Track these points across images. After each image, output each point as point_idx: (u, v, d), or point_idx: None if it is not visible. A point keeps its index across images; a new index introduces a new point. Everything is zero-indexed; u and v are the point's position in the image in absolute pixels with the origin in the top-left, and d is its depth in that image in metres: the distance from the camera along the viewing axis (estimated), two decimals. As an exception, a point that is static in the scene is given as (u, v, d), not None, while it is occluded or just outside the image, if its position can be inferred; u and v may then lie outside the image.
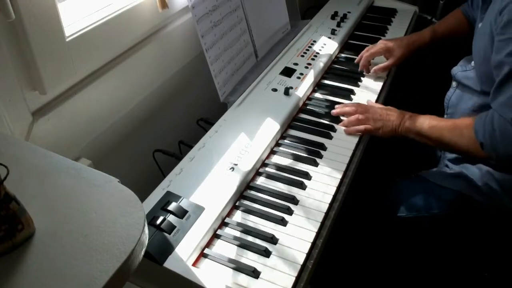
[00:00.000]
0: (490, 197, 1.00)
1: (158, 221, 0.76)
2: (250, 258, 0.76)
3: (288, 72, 1.20)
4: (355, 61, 1.30)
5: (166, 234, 0.75)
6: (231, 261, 0.74)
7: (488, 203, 1.01)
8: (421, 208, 1.07)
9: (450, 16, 1.35)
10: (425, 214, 1.06)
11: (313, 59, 1.27)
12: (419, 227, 1.07)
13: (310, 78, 1.19)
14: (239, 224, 0.81)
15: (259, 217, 0.83)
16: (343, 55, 1.38)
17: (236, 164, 0.90)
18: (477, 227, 1.05)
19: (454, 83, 1.13)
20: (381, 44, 1.29)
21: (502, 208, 1.00)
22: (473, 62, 1.05)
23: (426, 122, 1.00)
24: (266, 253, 0.76)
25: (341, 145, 1.01)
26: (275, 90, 1.13)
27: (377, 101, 1.19)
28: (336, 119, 1.09)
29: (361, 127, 1.04)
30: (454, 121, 0.99)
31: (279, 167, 0.94)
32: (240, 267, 0.73)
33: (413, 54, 1.29)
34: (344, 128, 1.06)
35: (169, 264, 0.71)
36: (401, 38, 1.32)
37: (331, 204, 0.87)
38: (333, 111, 1.09)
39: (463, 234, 1.07)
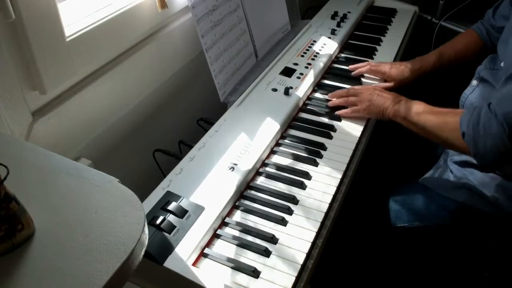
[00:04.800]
0: (496, 206, 0.99)
1: (158, 221, 0.76)
2: (250, 258, 0.76)
3: (288, 72, 1.20)
4: (351, 67, 1.28)
5: (166, 234, 0.75)
6: (231, 260, 0.74)
7: (494, 213, 0.99)
8: (423, 218, 1.06)
9: (461, 36, 1.29)
10: (427, 224, 1.05)
11: (313, 59, 1.27)
12: (420, 236, 1.07)
13: (310, 78, 1.19)
14: (239, 224, 0.81)
15: (259, 217, 0.83)
16: (343, 55, 1.38)
17: (236, 164, 0.90)
18: (480, 236, 1.04)
19: (474, 82, 1.09)
20: (387, 67, 1.24)
21: (509, 217, 0.99)
22: (503, 63, 1.00)
23: (415, 107, 0.98)
24: (266, 253, 0.76)
25: (341, 145, 1.01)
26: (275, 90, 1.13)
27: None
28: (337, 119, 1.09)
29: (348, 110, 1.09)
30: (443, 109, 0.96)
31: (279, 167, 0.94)
32: (240, 267, 0.73)
33: (415, 80, 1.25)
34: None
35: (169, 264, 0.71)
36: (406, 64, 1.25)
37: (331, 204, 0.87)
38: (330, 103, 1.13)
39: (465, 243, 1.06)
